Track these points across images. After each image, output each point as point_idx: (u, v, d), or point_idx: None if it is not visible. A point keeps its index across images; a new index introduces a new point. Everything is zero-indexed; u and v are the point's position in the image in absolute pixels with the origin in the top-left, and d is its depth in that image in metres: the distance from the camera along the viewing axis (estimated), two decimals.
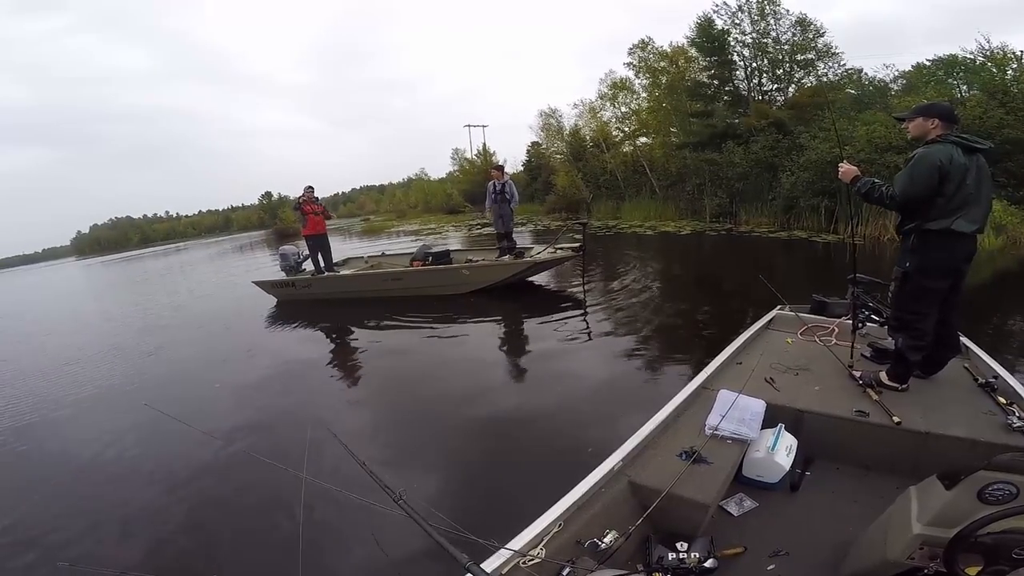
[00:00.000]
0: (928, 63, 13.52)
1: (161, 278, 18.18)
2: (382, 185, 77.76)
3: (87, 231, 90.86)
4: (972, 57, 12.09)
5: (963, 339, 2.73)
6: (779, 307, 3.70)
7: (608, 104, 22.40)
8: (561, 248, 7.55)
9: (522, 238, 12.03)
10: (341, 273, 8.36)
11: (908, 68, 14.57)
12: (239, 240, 41.56)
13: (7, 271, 53.28)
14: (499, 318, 6.62)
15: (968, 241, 2.21)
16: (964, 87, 12.32)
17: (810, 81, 16.75)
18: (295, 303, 8.44)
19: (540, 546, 1.52)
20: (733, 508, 1.96)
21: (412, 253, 8.53)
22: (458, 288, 7.49)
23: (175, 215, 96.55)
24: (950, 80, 12.62)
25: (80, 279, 24.81)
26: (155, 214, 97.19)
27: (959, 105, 10.42)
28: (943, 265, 2.23)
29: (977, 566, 1.17)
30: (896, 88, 14.75)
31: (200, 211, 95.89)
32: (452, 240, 17.62)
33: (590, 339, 5.43)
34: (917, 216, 2.21)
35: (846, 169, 2.41)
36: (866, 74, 15.91)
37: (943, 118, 2.20)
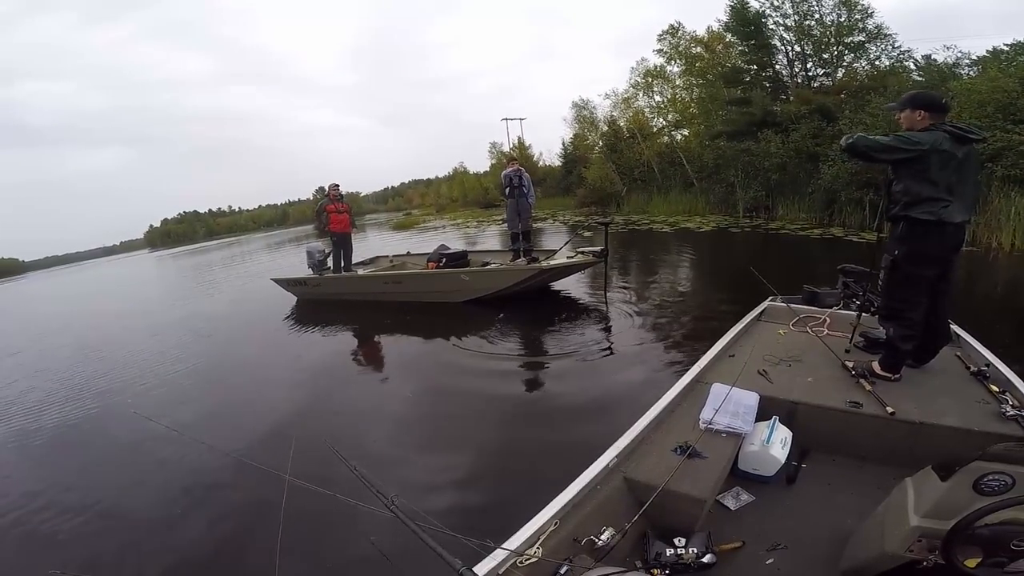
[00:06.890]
0: (1006, 47, 12.50)
1: (201, 276, 18.41)
2: (428, 179, 79.07)
3: (158, 224, 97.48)
4: None
5: (954, 327, 2.69)
6: (770, 298, 3.61)
7: (640, 94, 22.01)
8: (581, 252, 6.80)
9: (539, 237, 11.43)
10: (343, 275, 8.14)
11: (983, 53, 13.39)
12: (292, 233, 42.24)
13: (93, 261, 57.69)
14: (501, 326, 6.12)
15: (956, 230, 2.20)
16: None
17: (861, 65, 15.83)
18: (313, 302, 8.44)
19: (536, 545, 1.49)
20: (730, 502, 1.96)
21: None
22: (459, 295, 6.92)
23: (237, 209, 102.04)
24: None
25: (149, 271, 26.39)
26: (219, 208, 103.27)
27: None
28: (931, 253, 2.23)
29: (976, 558, 1.15)
30: (970, 73, 13.72)
31: (260, 205, 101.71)
32: (489, 237, 16.99)
33: (613, 355, 4.92)
34: (905, 204, 2.20)
35: None
36: (934, 60, 14.82)
37: (929, 108, 2.19)
